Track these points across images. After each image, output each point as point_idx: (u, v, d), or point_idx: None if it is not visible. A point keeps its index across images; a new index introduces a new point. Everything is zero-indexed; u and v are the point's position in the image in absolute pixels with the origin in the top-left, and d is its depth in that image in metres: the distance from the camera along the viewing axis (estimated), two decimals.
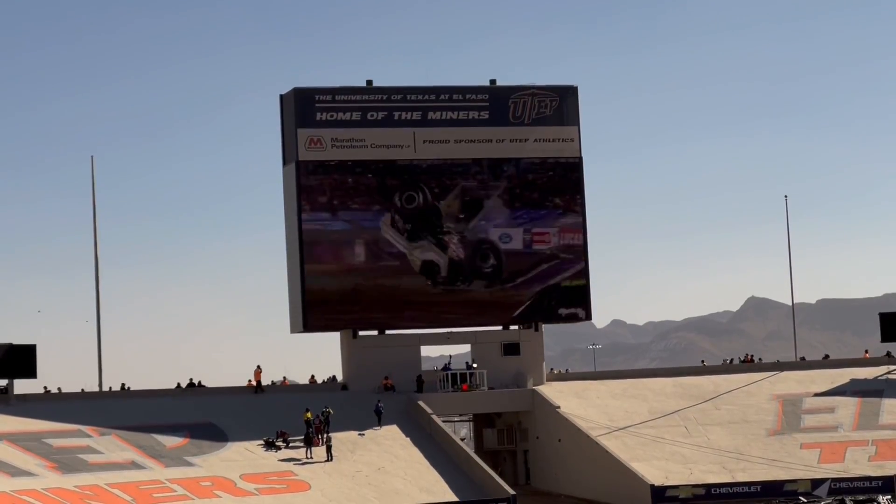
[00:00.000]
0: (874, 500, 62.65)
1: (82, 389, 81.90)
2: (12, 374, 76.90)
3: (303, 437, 75.74)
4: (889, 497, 64.88)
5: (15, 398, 76.89)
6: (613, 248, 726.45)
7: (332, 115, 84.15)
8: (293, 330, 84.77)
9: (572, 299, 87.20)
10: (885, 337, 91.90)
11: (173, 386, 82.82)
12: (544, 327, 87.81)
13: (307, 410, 76.61)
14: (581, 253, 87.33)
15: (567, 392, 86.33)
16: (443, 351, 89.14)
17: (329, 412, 76.59)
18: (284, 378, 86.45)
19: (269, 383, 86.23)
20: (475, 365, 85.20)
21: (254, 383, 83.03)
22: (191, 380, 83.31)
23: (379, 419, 79.86)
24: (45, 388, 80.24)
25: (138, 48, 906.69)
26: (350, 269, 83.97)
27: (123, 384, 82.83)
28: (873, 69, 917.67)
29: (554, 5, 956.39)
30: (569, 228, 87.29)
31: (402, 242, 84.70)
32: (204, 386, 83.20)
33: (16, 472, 66.75)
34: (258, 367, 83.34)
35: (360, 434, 78.34)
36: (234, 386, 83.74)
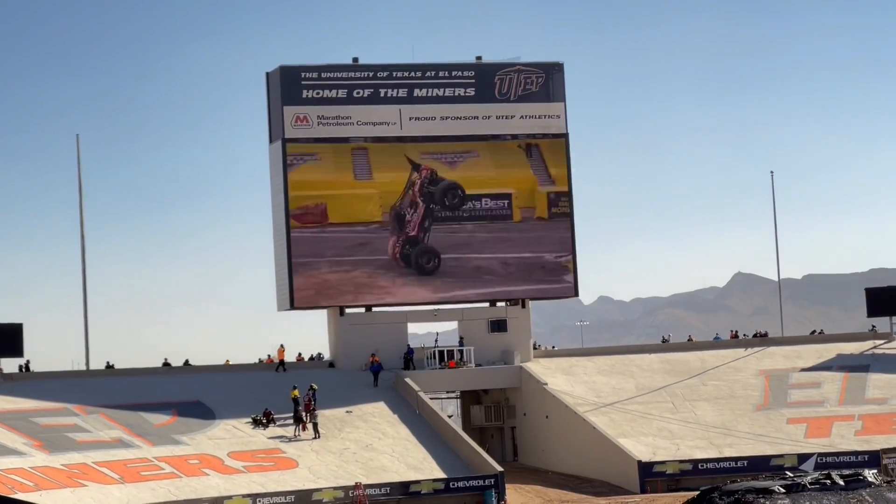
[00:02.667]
0: (860, 475, 62.62)
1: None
2: None
3: (291, 414, 75.82)
4: (875, 471, 64.88)
5: (2, 377, 76.92)
6: (600, 225, 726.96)
7: (318, 93, 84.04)
8: (280, 308, 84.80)
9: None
10: (872, 312, 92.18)
11: (159, 364, 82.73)
12: (531, 304, 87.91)
13: (294, 388, 76.68)
14: (568, 233, 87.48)
15: (554, 369, 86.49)
16: (430, 328, 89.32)
17: (314, 389, 76.65)
18: (269, 356, 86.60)
19: (258, 361, 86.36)
20: (457, 343, 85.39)
21: (276, 360, 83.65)
22: (165, 360, 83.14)
23: (375, 379, 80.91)
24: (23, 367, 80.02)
25: (123, 26, 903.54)
26: (338, 246, 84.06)
27: (108, 363, 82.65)
28: (861, 44, 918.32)
29: None
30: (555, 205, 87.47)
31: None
32: (191, 364, 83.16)
33: (3, 450, 66.65)
34: (281, 345, 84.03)
35: (347, 411, 78.41)
36: (216, 364, 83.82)
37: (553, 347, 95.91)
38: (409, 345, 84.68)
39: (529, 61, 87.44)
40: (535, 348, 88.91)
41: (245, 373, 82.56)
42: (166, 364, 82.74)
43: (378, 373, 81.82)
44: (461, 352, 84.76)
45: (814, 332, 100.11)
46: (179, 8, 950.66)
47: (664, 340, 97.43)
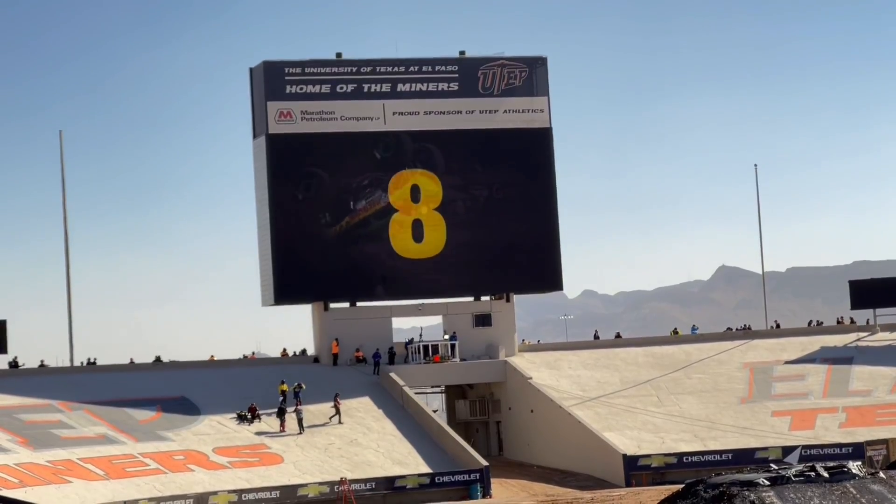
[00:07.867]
0: (845, 467, 62.78)
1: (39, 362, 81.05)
2: None
3: (276, 409, 75.73)
4: (859, 463, 65.01)
5: None
6: (584, 219, 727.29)
7: (301, 88, 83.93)
8: (265, 303, 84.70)
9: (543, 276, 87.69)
10: (855, 304, 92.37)
11: (140, 360, 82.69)
12: (515, 298, 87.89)
13: (282, 382, 76.62)
14: (552, 228, 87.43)
15: (539, 363, 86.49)
16: (414, 322, 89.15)
17: (301, 387, 76.57)
18: (244, 356, 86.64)
19: (242, 357, 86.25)
20: (446, 336, 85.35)
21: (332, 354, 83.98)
22: (131, 359, 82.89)
23: (376, 368, 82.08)
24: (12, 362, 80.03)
25: (108, 23, 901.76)
26: (322, 242, 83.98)
27: (89, 359, 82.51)
28: (847, 37, 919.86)
29: None
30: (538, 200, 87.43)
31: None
32: (176, 360, 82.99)
33: None
34: (336, 339, 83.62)
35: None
36: (200, 360, 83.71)
37: (538, 342, 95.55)
38: (393, 341, 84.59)
39: (513, 56, 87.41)
40: (523, 342, 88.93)
41: (230, 368, 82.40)
42: (131, 362, 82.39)
43: (378, 362, 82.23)
44: (451, 346, 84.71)
45: (811, 322, 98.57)
46: (162, 4, 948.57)
47: (595, 337, 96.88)
